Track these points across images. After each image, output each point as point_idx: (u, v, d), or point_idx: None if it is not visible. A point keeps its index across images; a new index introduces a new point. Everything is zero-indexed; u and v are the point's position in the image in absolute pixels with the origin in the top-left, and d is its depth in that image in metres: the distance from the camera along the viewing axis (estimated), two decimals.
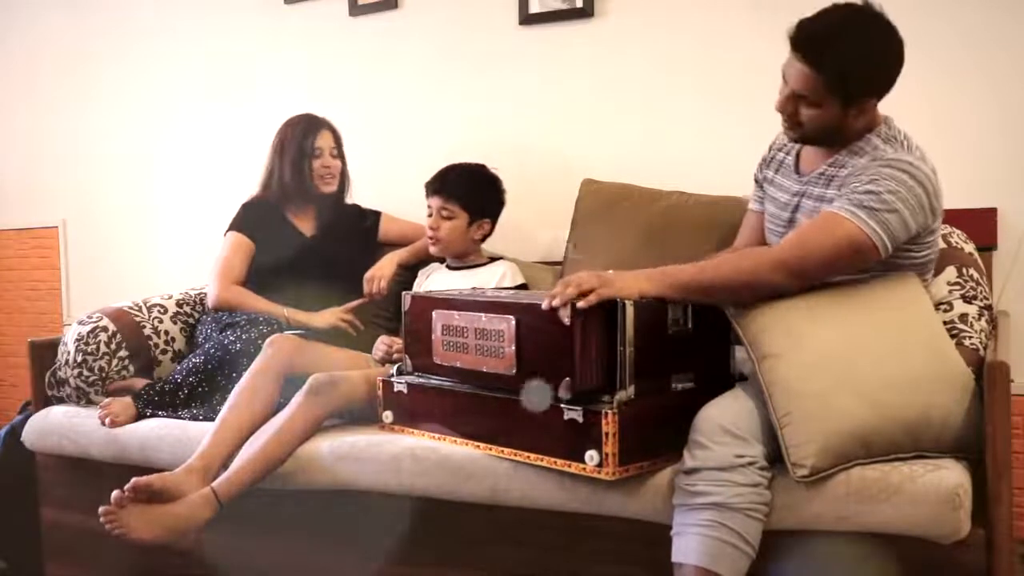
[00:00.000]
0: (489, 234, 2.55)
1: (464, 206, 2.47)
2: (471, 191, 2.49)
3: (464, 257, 2.55)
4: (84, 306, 3.21)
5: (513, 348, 1.80)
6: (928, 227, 1.78)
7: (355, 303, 2.63)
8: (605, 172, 2.66)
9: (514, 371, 1.81)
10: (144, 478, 1.99)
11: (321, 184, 2.72)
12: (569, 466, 1.74)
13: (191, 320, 2.79)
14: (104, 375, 2.58)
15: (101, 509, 1.95)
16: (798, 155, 1.98)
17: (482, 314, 1.86)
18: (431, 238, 2.49)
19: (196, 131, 3.48)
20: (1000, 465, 1.56)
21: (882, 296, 1.76)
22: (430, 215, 2.50)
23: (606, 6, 2.76)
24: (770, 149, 2.06)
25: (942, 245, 2.07)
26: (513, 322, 1.80)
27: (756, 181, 2.09)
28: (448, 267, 2.58)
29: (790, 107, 1.81)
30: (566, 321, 1.69)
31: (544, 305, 1.71)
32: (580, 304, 1.68)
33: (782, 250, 1.75)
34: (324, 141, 2.73)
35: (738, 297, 1.75)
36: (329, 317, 2.59)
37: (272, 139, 2.76)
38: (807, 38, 1.74)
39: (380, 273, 2.61)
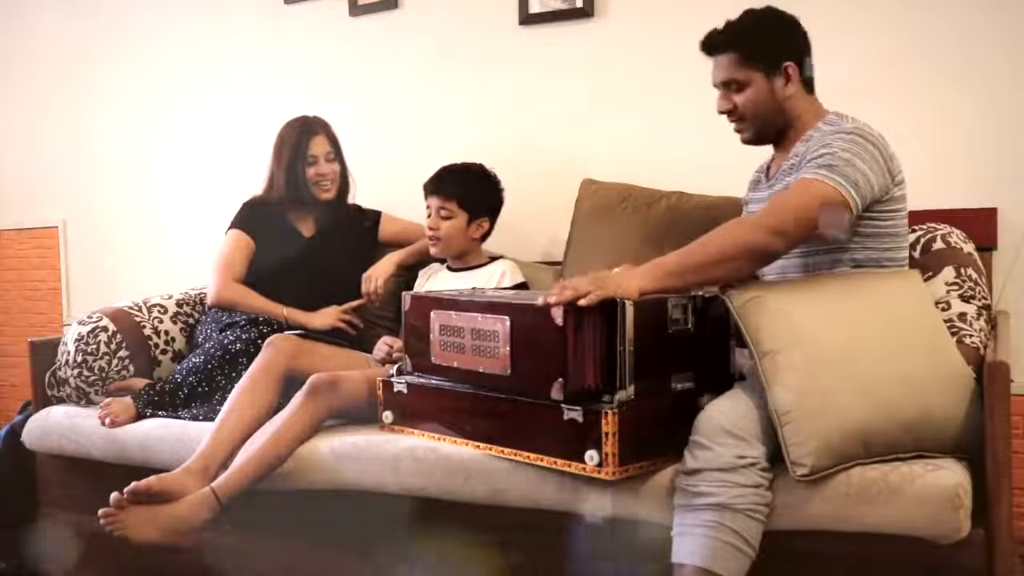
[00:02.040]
0: (488, 232, 2.55)
1: (463, 205, 2.47)
2: (469, 189, 2.49)
3: (464, 257, 2.55)
4: (84, 306, 3.22)
5: (507, 349, 1.80)
6: (888, 190, 1.82)
7: (354, 303, 2.63)
8: (605, 172, 2.66)
9: (508, 372, 1.81)
10: (142, 482, 1.99)
11: (319, 192, 2.70)
12: (569, 466, 1.74)
13: (191, 320, 2.79)
14: (104, 375, 2.58)
15: (101, 511, 1.95)
16: (768, 169, 2.05)
17: (478, 314, 1.86)
18: (431, 238, 2.49)
19: (196, 131, 3.48)
20: (1000, 465, 1.56)
21: (883, 294, 1.76)
22: (429, 215, 2.50)
23: (606, 6, 2.76)
24: (754, 173, 2.13)
25: (941, 245, 2.08)
26: (507, 323, 1.80)
27: (744, 203, 2.14)
28: (449, 268, 2.58)
29: (727, 103, 1.96)
30: (558, 321, 1.69)
31: (539, 301, 1.71)
32: (581, 302, 1.67)
33: (759, 214, 1.80)
34: (318, 147, 2.69)
35: (730, 268, 1.76)
36: (328, 317, 2.59)
37: (273, 142, 2.76)
38: (709, 37, 1.97)
39: (377, 272, 2.61)
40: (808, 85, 1.95)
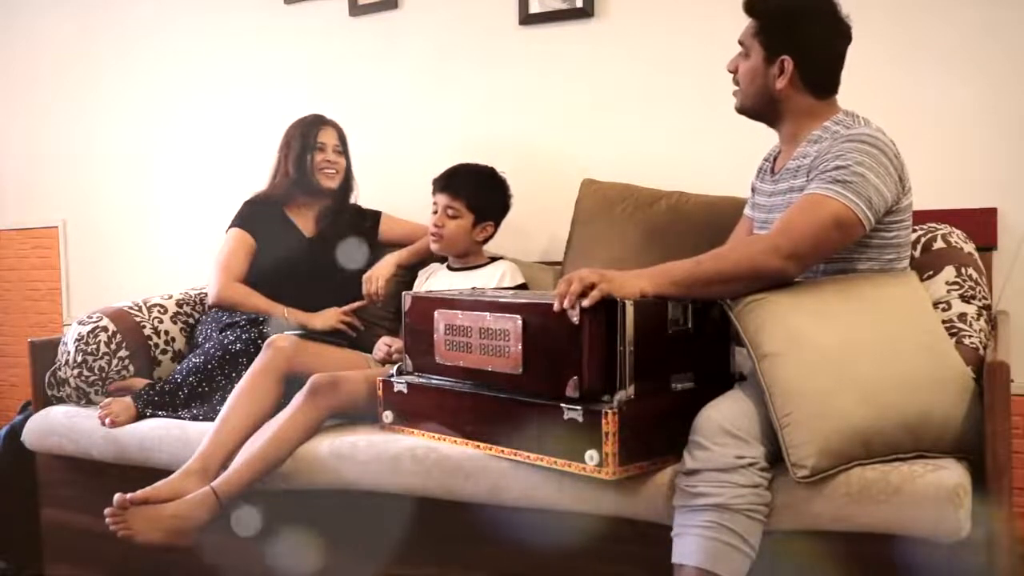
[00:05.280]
0: (492, 236, 2.56)
1: (470, 207, 2.47)
2: (479, 192, 2.49)
3: (465, 257, 2.55)
4: (84, 306, 3.22)
5: (519, 347, 1.80)
6: (897, 200, 1.78)
7: (355, 305, 2.63)
8: (605, 172, 2.66)
9: (520, 370, 1.81)
10: (139, 493, 1.99)
11: (323, 178, 2.72)
12: (569, 466, 1.74)
13: (191, 320, 2.79)
14: (104, 375, 2.58)
15: (107, 511, 1.96)
16: (775, 160, 2.02)
17: (487, 313, 1.86)
18: (434, 235, 2.49)
19: (196, 131, 3.49)
20: (1000, 465, 1.56)
21: (882, 295, 1.76)
22: (435, 212, 2.49)
23: (606, 6, 2.76)
24: (762, 160, 2.10)
25: (942, 245, 2.08)
26: (520, 321, 1.80)
27: (752, 189, 2.12)
28: (449, 267, 2.58)
29: (732, 64, 1.95)
30: (575, 320, 1.69)
31: (555, 307, 1.71)
32: (584, 303, 1.67)
33: (773, 236, 1.76)
34: (328, 137, 2.74)
35: (738, 288, 1.75)
36: (329, 319, 2.59)
37: (280, 139, 2.78)
38: None
39: (378, 273, 2.61)
40: (815, 87, 1.87)
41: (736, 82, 1.95)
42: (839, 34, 1.88)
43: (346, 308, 2.62)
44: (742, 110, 1.97)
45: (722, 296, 1.78)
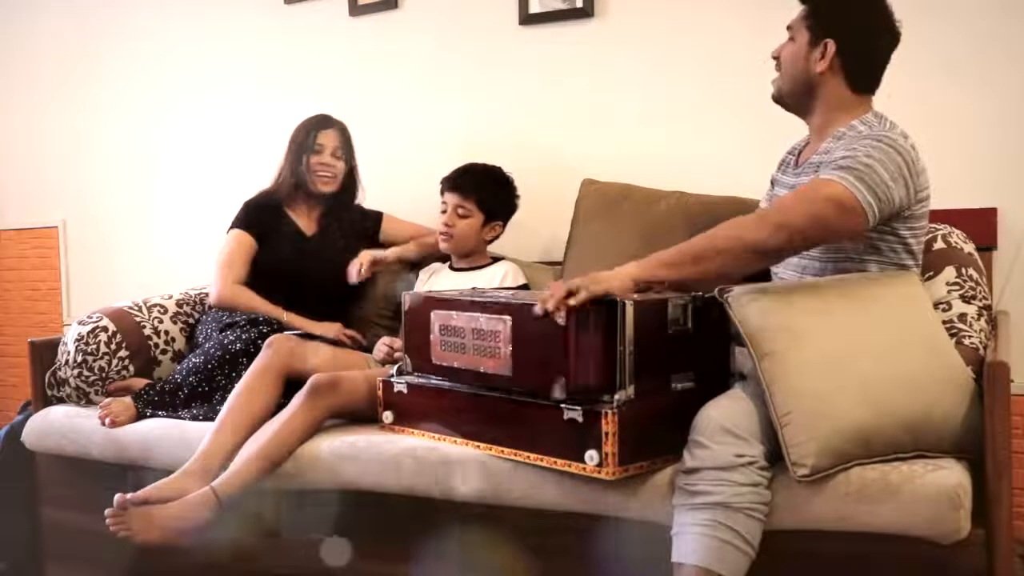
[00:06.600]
0: (499, 236, 2.56)
1: (481, 206, 2.48)
2: (490, 192, 2.50)
3: (469, 257, 2.55)
4: (84, 306, 3.22)
5: (509, 348, 1.80)
6: (910, 205, 1.77)
7: (357, 335, 2.61)
8: (605, 172, 2.66)
9: (510, 371, 1.81)
10: (139, 493, 1.99)
11: (317, 182, 2.71)
12: (569, 466, 1.74)
13: (191, 320, 2.79)
14: (104, 375, 2.58)
15: (107, 511, 1.96)
16: (799, 153, 2.01)
17: (479, 314, 1.86)
18: (444, 234, 2.49)
19: (196, 131, 3.49)
20: (1000, 465, 1.56)
21: (883, 295, 1.76)
22: (444, 211, 2.50)
23: (606, 6, 2.76)
24: (786, 154, 2.09)
25: (942, 245, 2.08)
26: (509, 322, 1.80)
27: (771, 181, 2.10)
28: (451, 267, 2.58)
29: (777, 50, 1.94)
30: (561, 321, 1.69)
31: (537, 310, 1.71)
32: (570, 302, 1.67)
33: (764, 209, 1.76)
34: (327, 139, 2.72)
35: (727, 262, 1.71)
36: (329, 331, 2.55)
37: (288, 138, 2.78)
38: None
39: (365, 255, 2.60)
40: (853, 77, 1.87)
41: (777, 67, 1.95)
42: (887, 31, 1.87)
43: (349, 332, 2.60)
44: (778, 96, 1.95)
45: (714, 274, 1.73)
